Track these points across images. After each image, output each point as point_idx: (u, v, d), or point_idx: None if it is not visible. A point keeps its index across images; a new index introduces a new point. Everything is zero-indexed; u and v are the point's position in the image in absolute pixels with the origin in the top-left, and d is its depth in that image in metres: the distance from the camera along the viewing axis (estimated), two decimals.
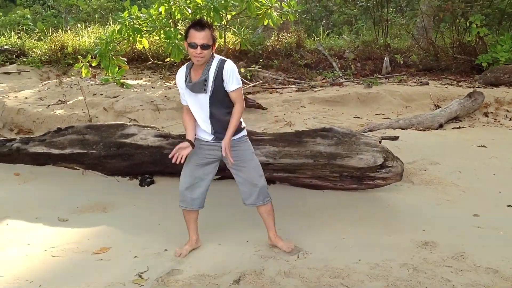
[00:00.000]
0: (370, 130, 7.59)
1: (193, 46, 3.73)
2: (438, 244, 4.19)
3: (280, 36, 13.54)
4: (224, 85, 3.83)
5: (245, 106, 4.00)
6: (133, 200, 5.43)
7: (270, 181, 5.68)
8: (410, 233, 4.44)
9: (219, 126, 3.92)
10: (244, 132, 4.08)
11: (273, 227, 4.19)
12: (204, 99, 3.86)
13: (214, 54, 3.89)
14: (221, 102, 3.88)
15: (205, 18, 9.58)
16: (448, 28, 13.66)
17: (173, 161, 3.91)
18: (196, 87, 3.83)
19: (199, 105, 3.89)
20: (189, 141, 3.94)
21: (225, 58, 3.92)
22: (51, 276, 3.75)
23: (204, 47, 3.73)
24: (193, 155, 4.00)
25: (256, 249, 4.18)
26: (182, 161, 3.92)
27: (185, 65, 3.97)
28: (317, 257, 4.01)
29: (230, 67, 3.84)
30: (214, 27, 3.88)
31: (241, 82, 3.93)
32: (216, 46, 3.86)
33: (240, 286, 3.62)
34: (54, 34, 12.41)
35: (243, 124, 4.07)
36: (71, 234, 4.55)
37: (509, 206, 5.08)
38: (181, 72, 3.95)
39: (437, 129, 7.96)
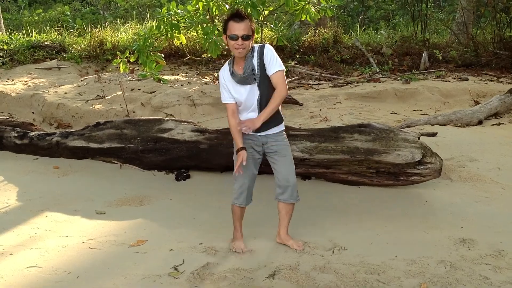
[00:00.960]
0: (408, 126, 7.48)
1: (233, 38, 3.73)
2: (476, 241, 4.11)
3: (317, 31, 13.46)
4: (266, 68, 3.83)
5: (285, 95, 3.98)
6: (169, 194, 5.49)
7: (306, 176, 5.70)
8: (448, 230, 4.37)
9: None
10: (284, 126, 4.08)
11: (287, 226, 4.18)
12: (253, 88, 3.87)
13: (253, 45, 3.89)
14: (268, 89, 3.88)
15: None
16: (489, 23, 13.37)
17: (241, 172, 3.94)
18: (246, 79, 3.84)
19: (248, 96, 3.90)
20: (244, 148, 3.93)
21: (263, 43, 3.92)
22: (89, 267, 3.82)
23: (244, 38, 3.73)
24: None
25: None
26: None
27: (226, 62, 3.98)
28: (352, 253, 3.99)
29: (269, 49, 3.85)
30: (252, 19, 3.84)
31: (283, 65, 3.89)
32: (254, 37, 3.85)
33: (275, 280, 3.61)
34: (94, 30, 12.59)
35: (283, 117, 4.06)
36: (109, 226, 4.63)
37: None
38: (225, 70, 3.95)
39: (476, 125, 7.80)
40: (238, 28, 3.73)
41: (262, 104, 3.89)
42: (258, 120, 3.86)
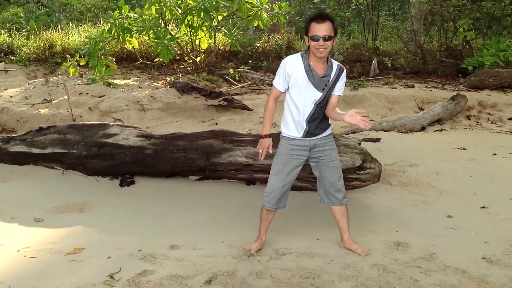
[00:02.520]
0: (353, 132, 7.63)
1: (315, 38, 3.74)
2: (410, 245, 4.23)
3: (270, 37, 13.58)
4: (336, 86, 3.92)
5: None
6: (112, 200, 5.45)
7: (250, 181, 5.74)
8: (384, 234, 4.48)
9: (312, 126, 3.97)
10: (330, 130, 4.17)
11: (347, 230, 4.20)
12: (314, 96, 3.89)
13: (330, 58, 3.94)
14: (325, 104, 3.95)
15: (196, 19, 9.67)
16: (437, 32, 13.74)
17: (261, 159, 4.06)
18: (319, 83, 3.86)
19: (306, 100, 3.90)
20: (269, 136, 4.04)
21: (342, 66, 4.02)
22: (22, 276, 3.74)
23: (326, 39, 3.73)
24: (283, 155, 4.08)
25: (230, 250, 4.20)
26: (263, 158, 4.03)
27: (298, 57, 3.92)
28: (290, 257, 4.04)
29: (345, 75, 4.00)
30: (334, 20, 3.86)
31: None
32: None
33: (211, 286, 3.63)
34: (43, 33, 12.39)
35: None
36: (46, 234, 4.55)
37: (482, 207, 5.13)
38: (296, 60, 3.89)
39: (419, 131, 8.02)
40: (320, 29, 3.74)
41: (314, 115, 3.93)
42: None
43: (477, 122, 8.93)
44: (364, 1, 14.54)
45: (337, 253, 4.10)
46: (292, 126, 4.02)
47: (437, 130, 8.13)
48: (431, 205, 5.22)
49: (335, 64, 3.95)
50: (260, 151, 4.11)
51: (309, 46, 3.83)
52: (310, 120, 3.96)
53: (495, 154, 6.91)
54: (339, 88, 3.96)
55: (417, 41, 13.44)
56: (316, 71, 3.86)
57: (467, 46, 12.52)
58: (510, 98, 10.43)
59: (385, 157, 6.31)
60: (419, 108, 9.43)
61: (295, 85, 3.90)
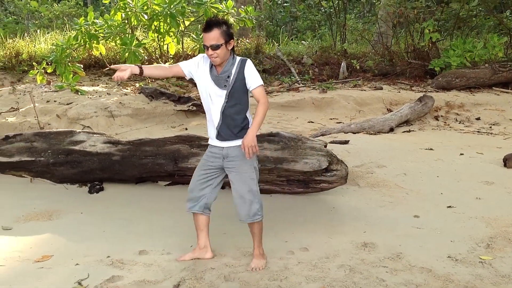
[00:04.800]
0: (322, 135, 7.70)
1: (205, 48, 3.77)
2: (376, 245, 4.30)
3: (239, 41, 13.62)
4: (246, 82, 3.84)
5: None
6: (80, 207, 5.41)
7: None
8: (351, 234, 4.54)
9: (226, 125, 3.90)
10: None
11: (258, 245, 4.08)
12: (221, 94, 3.85)
13: (236, 56, 3.91)
14: (237, 100, 3.86)
15: (162, 25, 9.66)
16: (404, 34, 13.94)
17: (115, 80, 3.87)
18: (219, 80, 3.83)
19: (215, 99, 3.88)
20: (139, 66, 3.90)
21: (245, 58, 3.95)
22: None
23: (214, 47, 3.72)
24: (201, 160, 4.08)
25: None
26: (118, 79, 3.85)
27: None
28: None
29: (250, 64, 3.87)
30: (226, 23, 3.82)
31: (262, 80, 3.91)
32: (233, 42, 3.83)
33: None
34: (9, 41, 12.23)
35: None
36: (14, 242, 4.51)
37: (449, 207, 5.23)
38: (207, 60, 3.89)
39: (387, 132, 8.13)
40: (207, 38, 3.75)
41: (225, 113, 3.87)
42: (249, 136, 3.79)
43: (445, 122, 9.10)
44: (333, 4, 14.69)
45: (304, 255, 4.15)
46: (209, 126, 4.03)
47: (405, 131, 8.25)
48: (398, 205, 5.30)
49: (237, 59, 3.91)
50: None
51: None
52: (223, 119, 3.90)
53: (462, 154, 7.05)
54: (251, 81, 3.83)
55: (384, 43, 13.62)
56: (216, 69, 3.87)
57: (433, 48, 12.73)
58: (477, 98, 10.63)
59: (353, 159, 6.40)
60: (387, 109, 9.56)
61: (201, 81, 3.93)
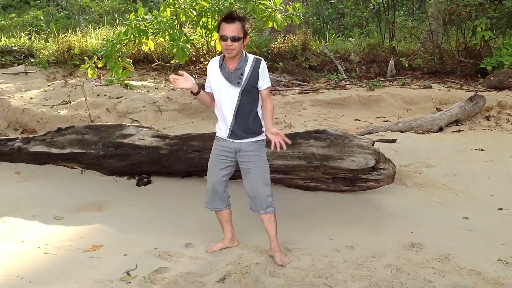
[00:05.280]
0: (369, 133, 7.62)
1: (224, 38, 3.81)
2: (424, 245, 4.24)
3: (286, 38, 13.59)
4: (258, 81, 3.91)
5: None
6: (128, 199, 5.52)
7: None
8: (398, 234, 4.49)
9: (239, 124, 3.95)
10: (263, 136, 4.06)
11: (274, 237, 4.11)
12: (234, 92, 3.91)
13: (248, 54, 3.96)
14: (250, 98, 3.94)
15: (211, 21, 9.73)
16: (455, 32, 13.64)
17: (171, 81, 3.90)
18: (231, 77, 3.88)
19: (228, 98, 3.94)
20: (199, 87, 3.96)
21: (259, 57, 4.00)
22: (42, 272, 3.84)
23: (234, 39, 3.78)
24: (212, 155, 4.12)
25: (244, 249, 4.24)
26: (175, 85, 3.89)
27: (219, 57, 4.02)
28: (303, 256, 4.08)
29: (264, 64, 3.95)
30: (246, 20, 3.93)
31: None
32: (248, 39, 3.93)
33: (225, 284, 3.68)
34: (61, 36, 12.55)
35: (263, 128, 4.05)
36: (65, 232, 4.65)
37: (499, 209, 5.11)
38: (214, 62, 3.99)
39: (436, 132, 7.97)
40: (228, 29, 3.80)
41: (239, 111, 3.92)
42: (271, 129, 3.95)
43: (496, 123, 8.86)
44: (382, 1, 14.50)
45: (349, 254, 4.12)
46: (219, 124, 4.08)
47: (454, 131, 8.08)
48: (447, 206, 5.21)
49: (251, 57, 3.94)
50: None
51: None
52: (236, 118, 3.94)
53: None
54: (263, 81, 3.91)
55: (435, 41, 13.36)
56: (228, 66, 3.91)
57: (485, 46, 12.41)
58: None
59: (401, 158, 6.31)
60: (436, 108, 9.38)
61: (212, 82, 3.98)
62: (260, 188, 4.03)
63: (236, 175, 4.24)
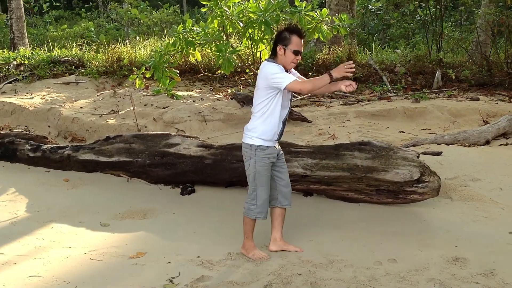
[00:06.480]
0: (414, 145, 7.53)
1: (297, 53, 4.07)
2: (468, 260, 4.17)
3: (331, 49, 13.58)
4: None
5: (290, 118, 4.44)
6: (173, 208, 5.63)
7: (307, 192, 5.79)
8: (442, 248, 4.42)
9: (282, 126, 4.29)
10: None
11: (282, 231, 4.47)
12: (289, 99, 4.29)
13: None
14: None
15: (256, 32, 9.82)
16: (504, 43, 13.36)
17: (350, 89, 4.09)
18: None
19: (288, 103, 4.28)
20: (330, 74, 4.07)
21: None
22: (88, 278, 3.97)
23: (301, 54, 4.15)
24: (262, 168, 4.24)
25: (285, 259, 4.26)
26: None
27: (273, 60, 4.17)
28: (345, 268, 4.07)
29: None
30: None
31: None
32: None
33: None
34: (111, 47, 12.88)
35: None
36: (111, 238, 4.78)
37: None
38: (278, 65, 4.13)
39: (483, 145, 7.81)
40: (301, 44, 4.09)
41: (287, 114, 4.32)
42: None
43: None
44: (429, 12, 14.34)
45: (392, 267, 4.09)
46: (270, 131, 4.20)
47: (502, 144, 7.90)
48: (493, 220, 5.10)
49: None
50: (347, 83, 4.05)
51: (276, 53, 4.11)
52: (284, 123, 4.29)
53: None
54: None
55: (483, 53, 13.11)
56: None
57: None
58: None
59: (446, 171, 6.22)
60: (483, 121, 9.19)
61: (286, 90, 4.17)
62: (289, 182, 4.45)
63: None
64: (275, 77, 4.05)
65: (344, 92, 9.06)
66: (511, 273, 3.92)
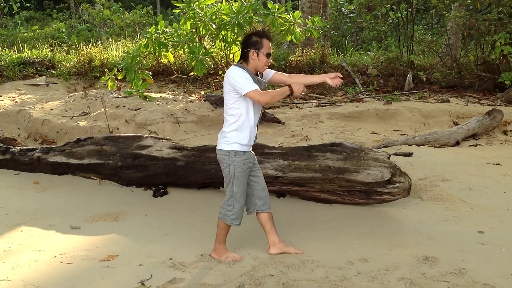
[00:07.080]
0: (385, 146, 7.61)
1: (269, 55, 4.13)
2: (438, 259, 4.22)
3: (304, 51, 13.65)
4: None
5: (263, 120, 4.43)
6: (145, 210, 5.59)
7: (280, 194, 5.80)
8: (413, 248, 4.48)
9: (256, 130, 4.30)
10: None
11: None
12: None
13: None
14: None
15: (229, 34, 9.82)
16: (474, 46, 13.59)
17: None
18: (262, 87, 4.21)
19: (260, 107, 4.28)
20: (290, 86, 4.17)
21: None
22: (58, 281, 3.91)
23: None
24: (241, 174, 4.23)
25: (258, 261, 4.27)
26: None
27: (239, 65, 4.20)
28: (317, 269, 4.08)
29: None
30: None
31: None
32: None
33: None
34: (82, 48, 12.74)
35: None
36: (82, 241, 4.72)
37: None
38: (243, 70, 4.15)
39: (453, 146, 7.93)
40: (270, 47, 4.16)
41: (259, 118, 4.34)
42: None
43: None
44: (401, 15, 14.51)
45: (363, 266, 4.12)
46: (246, 136, 4.20)
47: (471, 145, 8.04)
48: (462, 220, 5.18)
49: None
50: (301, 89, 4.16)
51: (246, 58, 4.15)
52: (257, 126, 4.31)
53: None
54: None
55: (453, 55, 13.32)
56: (258, 81, 4.20)
57: (504, 61, 12.35)
58: None
59: (417, 172, 6.29)
60: (454, 122, 9.33)
61: None
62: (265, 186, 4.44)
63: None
64: (237, 82, 4.09)
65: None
66: (480, 272, 3.99)
